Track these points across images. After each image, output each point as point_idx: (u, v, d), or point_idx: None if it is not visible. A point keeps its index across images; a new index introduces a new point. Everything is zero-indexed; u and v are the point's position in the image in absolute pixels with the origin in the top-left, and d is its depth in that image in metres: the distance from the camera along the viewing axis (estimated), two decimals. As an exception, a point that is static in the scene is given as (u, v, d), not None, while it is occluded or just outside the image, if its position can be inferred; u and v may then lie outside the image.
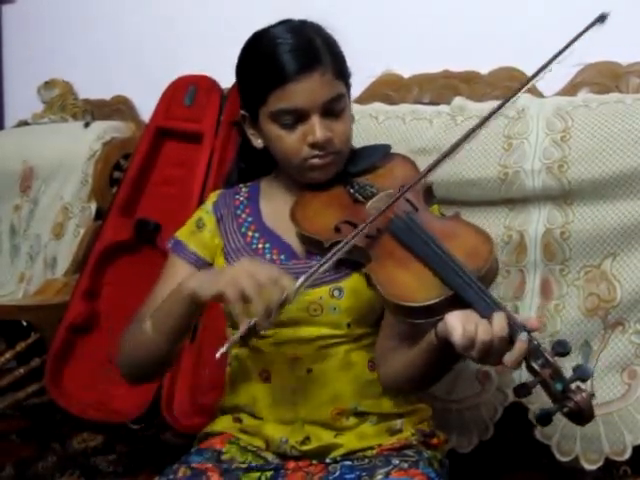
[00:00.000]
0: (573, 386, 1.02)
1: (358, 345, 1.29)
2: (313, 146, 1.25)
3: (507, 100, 1.25)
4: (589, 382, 1.41)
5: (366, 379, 1.28)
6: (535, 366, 1.03)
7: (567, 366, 1.06)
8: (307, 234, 1.26)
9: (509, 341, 1.04)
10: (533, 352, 1.03)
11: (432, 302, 1.10)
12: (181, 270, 1.33)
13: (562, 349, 1.04)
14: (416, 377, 1.23)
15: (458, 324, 1.05)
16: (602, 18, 1.19)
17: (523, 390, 1.04)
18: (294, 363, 1.27)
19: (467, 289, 1.09)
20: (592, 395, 1.02)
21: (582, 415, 1.01)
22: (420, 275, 1.14)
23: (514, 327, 1.04)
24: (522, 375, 1.53)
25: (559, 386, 1.01)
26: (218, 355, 1.07)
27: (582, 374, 1.02)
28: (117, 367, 1.32)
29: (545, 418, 1.03)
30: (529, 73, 1.70)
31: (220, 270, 1.17)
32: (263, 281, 1.07)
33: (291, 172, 1.32)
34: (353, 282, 1.25)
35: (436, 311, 1.10)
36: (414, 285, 1.14)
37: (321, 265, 1.13)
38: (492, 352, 1.04)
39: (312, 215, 1.28)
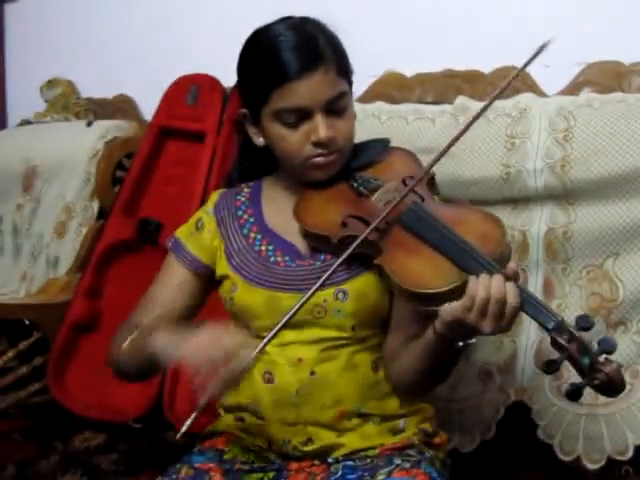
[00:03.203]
0: (601, 358, 1.02)
1: (362, 347, 1.28)
2: (316, 145, 1.24)
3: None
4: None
5: (370, 381, 1.28)
6: (561, 341, 1.04)
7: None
8: (313, 231, 1.25)
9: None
10: (558, 327, 1.05)
11: (451, 286, 1.10)
12: (177, 272, 1.35)
13: (586, 323, 1.05)
14: (419, 372, 1.22)
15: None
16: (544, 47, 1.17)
17: (551, 366, 1.05)
18: (297, 365, 1.26)
19: (485, 272, 1.09)
20: (621, 366, 1.03)
21: (613, 386, 1.03)
22: (435, 262, 1.15)
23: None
24: (524, 375, 1.54)
25: (587, 359, 1.02)
26: (178, 437, 1.09)
27: (608, 346, 1.03)
28: (108, 365, 1.33)
29: (575, 392, 1.04)
30: (531, 72, 1.71)
31: (184, 337, 1.15)
32: (219, 358, 1.08)
33: (293, 171, 1.31)
34: (358, 284, 1.25)
35: (454, 296, 1.10)
36: (430, 272, 1.14)
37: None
38: (489, 312, 1.06)
39: (317, 211, 1.28)
